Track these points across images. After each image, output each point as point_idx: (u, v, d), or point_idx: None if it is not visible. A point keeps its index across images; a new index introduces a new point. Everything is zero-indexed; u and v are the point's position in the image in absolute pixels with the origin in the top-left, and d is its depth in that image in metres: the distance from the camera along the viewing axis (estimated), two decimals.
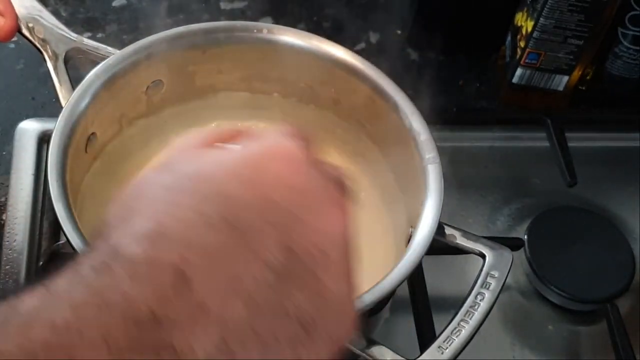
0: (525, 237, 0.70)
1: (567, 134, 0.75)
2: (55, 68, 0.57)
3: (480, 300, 0.48)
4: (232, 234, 0.30)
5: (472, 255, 0.52)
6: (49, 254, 0.63)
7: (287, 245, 0.31)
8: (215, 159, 0.34)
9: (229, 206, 0.31)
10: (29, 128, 0.70)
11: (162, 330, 0.27)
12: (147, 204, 0.31)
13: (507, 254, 0.50)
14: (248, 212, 0.31)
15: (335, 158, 0.63)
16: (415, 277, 0.63)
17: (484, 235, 0.52)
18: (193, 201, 0.31)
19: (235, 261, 0.30)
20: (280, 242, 0.31)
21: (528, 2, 0.76)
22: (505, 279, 0.49)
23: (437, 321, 0.61)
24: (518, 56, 0.78)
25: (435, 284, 0.65)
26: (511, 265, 0.50)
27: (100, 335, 0.26)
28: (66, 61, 0.58)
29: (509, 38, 0.82)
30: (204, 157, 0.34)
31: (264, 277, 0.30)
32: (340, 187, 0.35)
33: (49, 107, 0.74)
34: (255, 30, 0.59)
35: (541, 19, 0.73)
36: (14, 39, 0.58)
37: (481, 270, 0.49)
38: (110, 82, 0.56)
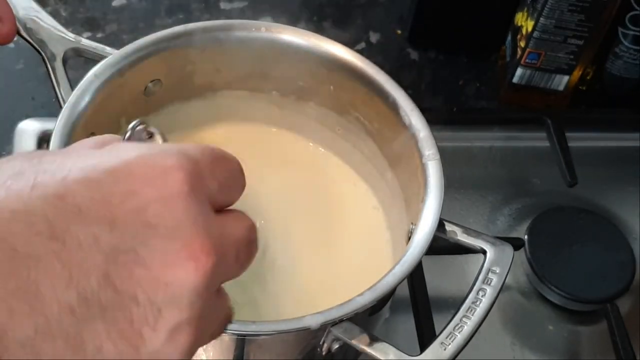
0: (526, 237, 0.70)
1: (567, 134, 0.75)
2: (53, 69, 0.57)
3: (482, 297, 0.47)
4: (50, 244, 0.27)
5: (472, 254, 0.52)
6: None
7: (110, 279, 0.28)
8: (88, 157, 0.30)
9: (63, 211, 0.28)
10: (28, 128, 0.70)
11: None
12: None
13: (509, 249, 0.50)
14: (81, 225, 0.28)
15: (334, 157, 0.63)
16: (416, 276, 0.63)
17: None
18: (32, 191, 0.28)
19: (43, 275, 0.27)
20: (103, 273, 0.28)
21: (528, 2, 0.76)
22: (507, 275, 0.49)
23: (437, 321, 0.61)
24: (518, 56, 0.77)
25: (435, 283, 0.65)
26: (512, 261, 0.49)
27: None
28: (64, 62, 0.57)
29: (509, 38, 0.82)
30: (82, 153, 0.30)
31: (69, 302, 0.27)
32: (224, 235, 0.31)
33: (49, 107, 0.74)
34: (254, 29, 0.59)
35: (541, 18, 0.73)
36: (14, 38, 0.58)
37: (482, 266, 0.49)
38: (109, 82, 0.56)
